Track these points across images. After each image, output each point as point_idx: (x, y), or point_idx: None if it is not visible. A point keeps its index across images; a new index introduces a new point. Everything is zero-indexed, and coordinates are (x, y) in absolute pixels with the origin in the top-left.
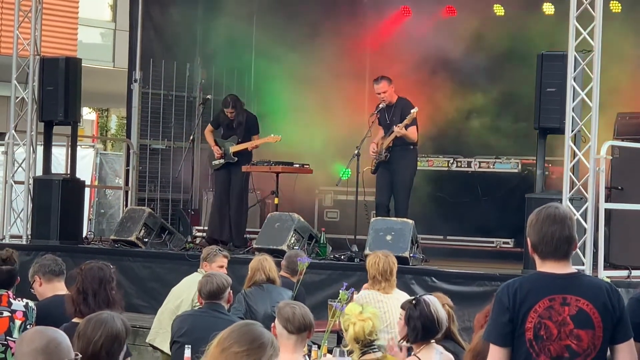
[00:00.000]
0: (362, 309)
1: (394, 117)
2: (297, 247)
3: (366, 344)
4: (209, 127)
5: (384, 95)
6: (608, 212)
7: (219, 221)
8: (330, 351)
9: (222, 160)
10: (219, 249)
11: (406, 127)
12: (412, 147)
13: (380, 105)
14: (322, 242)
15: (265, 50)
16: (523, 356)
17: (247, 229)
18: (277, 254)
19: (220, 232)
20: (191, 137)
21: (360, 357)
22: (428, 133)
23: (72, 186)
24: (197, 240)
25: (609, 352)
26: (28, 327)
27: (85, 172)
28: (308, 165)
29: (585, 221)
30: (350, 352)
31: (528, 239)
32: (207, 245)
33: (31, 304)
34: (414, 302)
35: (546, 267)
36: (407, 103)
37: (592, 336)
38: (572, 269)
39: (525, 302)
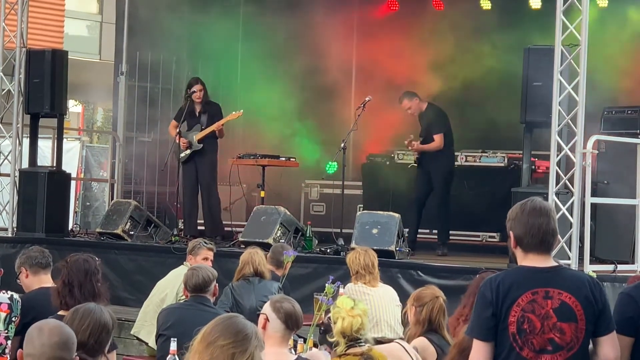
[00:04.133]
0: (354, 304)
1: (422, 126)
2: (283, 241)
3: (352, 339)
4: (173, 122)
5: (411, 110)
6: (594, 206)
7: (193, 216)
8: (316, 345)
9: (188, 151)
10: (204, 242)
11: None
12: (444, 150)
13: (367, 99)
14: (308, 235)
15: (253, 42)
16: (507, 350)
17: (233, 222)
18: (263, 247)
19: (195, 227)
20: (177, 130)
21: (346, 350)
22: (414, 127)
23: (57, 179)
24: (183, 233)
25: (591, 345)
26: (13, 319)
27: (71, 164)
28: (294, 158)
29: (572, 215)
30: (336, 344)
31: (511, 232)
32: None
33: (16, 296)
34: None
35: (528, 260)
36: (433, 112)
37: (575, 329)
38: (553, 262)
39: (508, 296)
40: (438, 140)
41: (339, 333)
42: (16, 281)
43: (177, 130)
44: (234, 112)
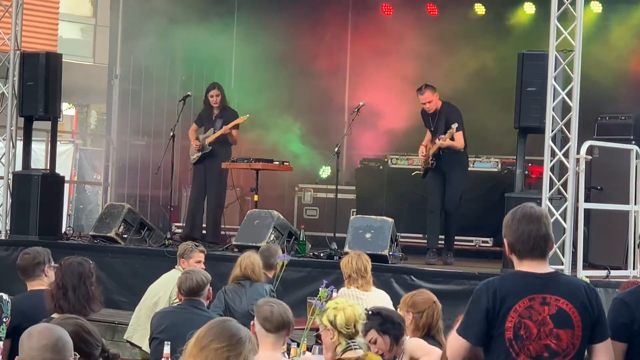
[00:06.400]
0: (348, 300)
1: (439, 124)
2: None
3: (351, 335)
4: (193, 126)
5: (429, 104)
6: (587, 212)
7: (194, 218)
8: (309, 349)
9: (198, 154)
10: (195, 245)
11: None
12: (461, 150)
13: (361, 103)
14: (301, 239)
15: (247, 47)
16: (503, 356)
17: (226, 226)
18: (257, 251)
19: (196, 230)
20: (171, 134)
21: (342, 354)
22: (408, 131)
23: (51, 181)
24: (176, 237)
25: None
26: (4, 320)
27: (64, 167)
28: (288, 162)
29: (565, 221)
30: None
31: (505, 240)
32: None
33: (5, 297)
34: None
35: (524, 266)
36: (452, 109)
37: (571, 336)
38: (550, 268)
39: (505, 301)
40: (460, 138)
41: (343, 325)
42: (8, 284)
43: (172, 134)
44: (241, 117)
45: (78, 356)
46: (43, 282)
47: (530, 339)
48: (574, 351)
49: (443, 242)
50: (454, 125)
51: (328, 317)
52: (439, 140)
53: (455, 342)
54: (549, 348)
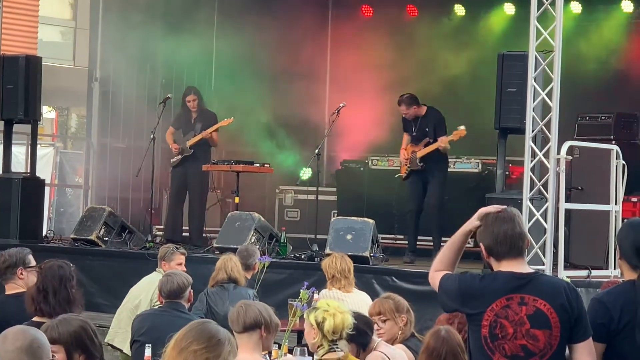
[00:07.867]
0: (340, 305)
1: (427, 129)
2: (258, 247)
3: (334, 340)
4: (170, 129)
5: (408, 115)
6: (568, 212)
7: (175, 221)
8: (290, 351)
9: (179, 157)
10: (175, 247)
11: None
12: (444, 154)
13: (341, 105)
14: (282, 241)
15: (226, 50)
16: (479, 353)
17: (207, 228)
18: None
19: (177, 232)
20: (151, 136)
21: (322, 356)
22: (388, 133)
23: (32, 185)
24: (157, 239)
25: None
26: None
27: (45, 170)
28: (268, 164)
29: (546, 221)
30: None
31: (481, 245)
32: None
33: None
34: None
35: (503, 267)
36: (437, 113)
37: (548, 336)
38: (529, 268)
39: (483, 300)
40: (446, 139)
41: (329, 332)
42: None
43: (152, 136)
44: (225, 119)
45: (56, 356)
46: (17, 285)
47: (506, 338)
48: (551, 351)
49: (432, 243)
50: (461, 128)
51: (316, 319)
52: (441, 142)
53: (434, 280)
54: (526, 348)
